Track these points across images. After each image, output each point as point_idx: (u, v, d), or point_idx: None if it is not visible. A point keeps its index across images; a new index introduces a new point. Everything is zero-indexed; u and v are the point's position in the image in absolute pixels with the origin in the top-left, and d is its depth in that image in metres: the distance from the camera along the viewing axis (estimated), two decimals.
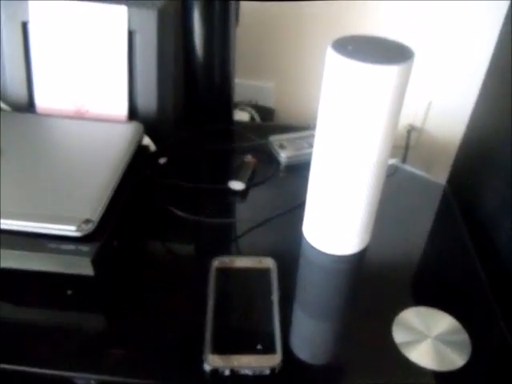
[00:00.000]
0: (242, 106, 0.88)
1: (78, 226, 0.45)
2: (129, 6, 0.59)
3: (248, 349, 0.41)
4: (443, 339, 0.45)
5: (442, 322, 0.46)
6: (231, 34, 0.67)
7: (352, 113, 0.42)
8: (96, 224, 0.45)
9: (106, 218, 0.47)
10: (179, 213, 0.56)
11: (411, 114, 0.94)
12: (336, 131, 0.45)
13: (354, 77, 0.40)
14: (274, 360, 0.41)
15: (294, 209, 0.58)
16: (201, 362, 0.40)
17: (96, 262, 0.45)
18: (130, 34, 0.60)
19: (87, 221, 0.45)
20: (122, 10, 0.59)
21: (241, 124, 0.80)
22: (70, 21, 0.60)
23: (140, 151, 0.58)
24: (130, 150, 0.55)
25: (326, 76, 0.43)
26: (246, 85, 0.92)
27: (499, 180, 0.56)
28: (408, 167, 0.72)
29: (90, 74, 0.62)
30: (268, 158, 0.69)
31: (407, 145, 0.93)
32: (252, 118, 0.87)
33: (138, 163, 0.57)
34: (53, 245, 0.45)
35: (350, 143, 0.44)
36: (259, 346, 0.42)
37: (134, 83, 0.63)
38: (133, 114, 0.63)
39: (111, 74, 0.62)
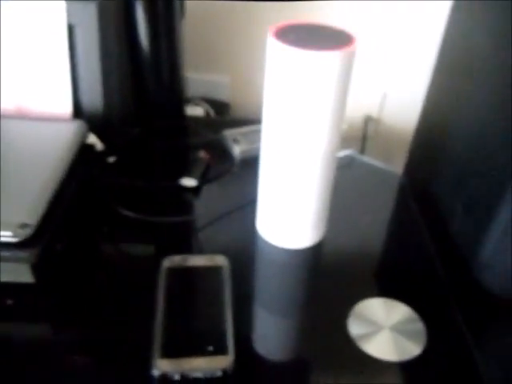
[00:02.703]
0: (196, 100, 0.86)
1: (15, 231, 0.42)
2: None
3: (199, 351, 0.40)
4: (399, 329, 0.44)
5: (398, 312, 0.46)
6: (177, 27, 0.65)
7: (296, 102, 0.41)
8: (34, 228, 0.43)
9: (46, 221, 0.45)
10: (127, 212, 0.54)
11: (367, 105, 0.94)
12: (281, 122, 0.44)
13: (296, 65, 0.39)
14: (225, 361, 0.39)
15: (248, 204, 0.57)
16: (150, 367, 0.39)
17: (36, 268, 0.42)
18: (71, 29, 0.58)
19: (24, 225, 0.43)
20: (60, 4, 0.56)
21: (194, 119, 0.78)
22: (7, 18, 0.57)
23: (85, 150, 0.55)
24: (73, 149, 0.52)
25: (268, 65, 0.42)
26: (200, 79, 0.90)
27: (450, 167, 0.56)
28: (365, 158, 0.72)
29: (31, 71, 0.59)
30: (222, 153, 0.67)
31: (364, 135, 0.93)
32: (207, 113, 0.85)
33: (84, 163, 0.55)
34: None
35: (295, 134, 0.43)
36: (210, 348, 0.40)
37: (77, 79, 0.60)
38: (78, 111, 0.61)
39: (53, 70, 0.59)
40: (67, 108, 0.60)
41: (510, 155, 0.43)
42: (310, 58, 0.38)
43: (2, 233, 0.42)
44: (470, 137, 0.52)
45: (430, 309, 0.47)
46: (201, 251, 0.53)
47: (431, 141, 0.63)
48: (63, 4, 0.56)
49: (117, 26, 0.60)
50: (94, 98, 0.60)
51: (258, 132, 0.71)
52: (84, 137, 0.56)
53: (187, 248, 0.53)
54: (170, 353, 0.40)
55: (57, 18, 0.57)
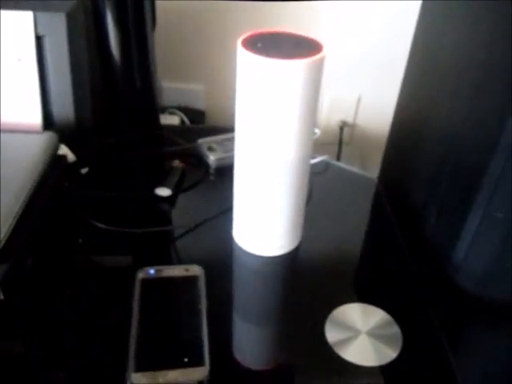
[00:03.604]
0: (171, 109, 0.85)
1: None
2: (35, 10, 0.56)
3: (174, 363, 0.39)
4: (375, 333, 0.45)
5: (374, 317, 0.46)
6: (148, 37, 0.65)
7: (265, 110, 0.41)
8: (2, 244, 0.42)
9: (14, 236, 0.44)
10: (99, 225, 0.53)
11: (343, 110, 0.95)
12: (252, 131, 0.44)
13: (263, 73, 0.39)
14: (201, 373, 0.39)
15: (224, 212, 0.57)
16: (125, 381, 0.38)
17: (4, 285, 0.41)
18: (39, 40, 0.57)
19: None
20: (28, 16, 0.56)
21: (169, 128, 0.78)
22: None
23: (56, 162, 0.54)
24: (43, 161, 0.51)
25: (238, 74, 0.42)
26: (175, 88, 0.90)
27: (423, 171, 0.57)
28: (340, 163, 0.73)
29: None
30: (197, 161, 0.67)
31: (340, 141, 0.94)
32: (182, 122, 0.85)
33: (55, 175, 0.54)
34: None
35: (266, 142, 0.43)
36: (186, 359, 0.40)
37: (48, 90, 0.59)
38: (49, 122, 0.60)
39: (21, 82, 0.58)
40: (37, 119, 0.59)
41: (479, 158, 0.44)
42: (276, 67, 0.39)
43: None
44: (441, 141, 0.52)
45: (405, 312, 0.47)
46: (177, 261, 0.52)
47: (404, 145, 0.64)
48: (31, 15, 0.56)
49: (87, 37, 0.59)
50: (65, 108, 0.60)
51: (233, 140, 0.71)
52: (55, 148, 0.55)
53: (163, 258, 0.53)
54: (145, 366, 0.39)
55: (25, 29, 0.56)
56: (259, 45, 0.40)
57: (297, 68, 0.39)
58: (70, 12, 0.56)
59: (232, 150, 0.67)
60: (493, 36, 0.42)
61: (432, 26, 0.57)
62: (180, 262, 0.52)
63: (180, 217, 0.58)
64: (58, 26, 0.56)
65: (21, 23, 0.56)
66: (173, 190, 0.59)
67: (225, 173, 0.65)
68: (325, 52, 0.40)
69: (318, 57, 0.39)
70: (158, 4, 0.69)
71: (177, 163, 0.64)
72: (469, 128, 0.46)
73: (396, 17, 0.85)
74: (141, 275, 0.47)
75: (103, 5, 0.60)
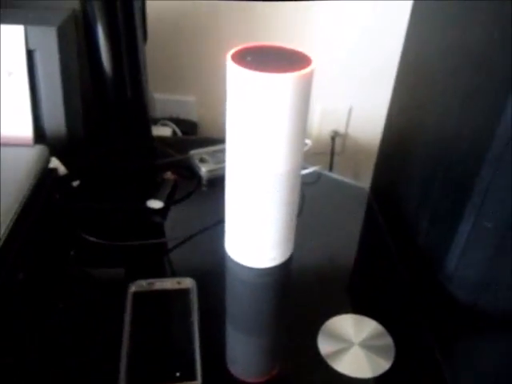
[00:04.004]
0: (164, 121, 0.86)
1: None
2: (26, 24, 0.56)
3: (166, 377, 0.39)
4: (368, 345, 0.44)
5: (366, 328, 0.46)
6: (139, 49, 0.65)
7: (254, 123, 0.42)
8: None
9: (6, 249, 0.43)
10: (91, 238, 0.53)
11: (334, 121, 0.95)
12: (242, 143, 0.44)
13: (252, 87, 0.40)
14: None
15: (216, 224, 0.57)
16: None
17: None
18: (30, 53, 0.57)
19: None
20: (19, 30, 0.56)
21: (161, 139, 0.78)
22: None
23: (47, 175, 0.54)
24: (34, 175, 0.51)
25: (228, 88, 0.42)
26: (167, 100, 0.90)
27: (414, 181, 0.57)
28: (332, 174, 0.73)
29: None
30: (189, 173, 0.67)
31: (332, 151, 0.94)
32: (174, 133, 0.85)
33: (46, 188, 0.54)
34: None
35: (256, 154, 0.43)
36: (178, 374, 0.39)
37: (39, 104, 0.59)
38: (40, 136, 0.60)
39: (13, 95, 0.58)
40: (28, 133, 0.59)
41: (469, 168, 0.44)
42: (265, 81, 0.39)
43: None
44: (431, 150, 0.53)
45: (398, 322, 0.47)
46: (169, 273, 0.52)
47: (395, 154, 0.64)
48: (22, 29, 0.56)
49: (78, 50, 0.59)
50: (56, 122, 0.60)
51: (225, 151, 0.71)
52: (46, 162, 0.55)
53: (155, 271, 0.53)
54: (136, 380, 0.39)
55: (15, 42, 0.56)
56: (249, 58, 0.40)
57: (286, 81, 0.39)
58: (61, 26, 0.56)
59: (224, 161, 0.67)
60: (483, 45, 0.43)
61: (421, 36, 0.57)
62: (172, 274, 0.52)
63: (172, 229, 0.58)
64: (49, 40, 0.56)
65: (12, 37, 0.56)
66: (165, 202, 0.59)
67: (217, 184, 0.65)
68: (313, 65, 0.41)
69: (306, 70, 0.40)
70: (150, 17, 0.69)
71: (169, 175, 0.64)
72: (459, 137, 0.47)
73: (386, 27, 0.86)
74: (133, 288, 0.47)
75: (94, 18, 0.60)
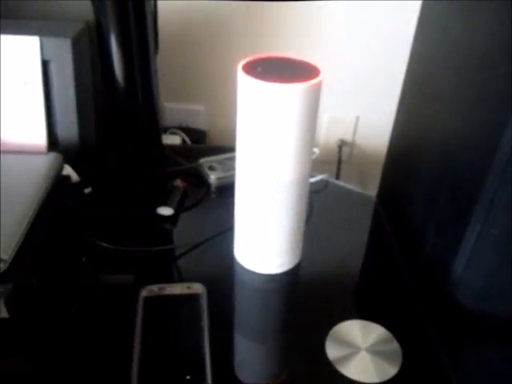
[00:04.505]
0: (173, 129, 0.87)
1: None
2: (42, 35, 0.57)
3: (177, 381, 0.40)
4: (375, 350, 0.45)
5: (374, 333, 0.47)
6: (151, 60, 0.66)
7: (264, 132, 0.43)
8: (8, 263, 0.43)
9: (20, 255, 0.44)
10: (103, 244, 0.54)
11: (341, 129, 0.96)
12: (252, 152, 0.45)
13: (262, 97, 0.41)
14: None
15: (226, 231, 0.58)
16: None
17: (10, 303, 0.42)
18: (45, 64, 0.59)
19: None
20: (34, 41, 0.57)
21: (170, 148, 0.79)
22: None
23: (60, 182, 0.56)
24: (48, 182, 0.53)
25: (239, 97, 0.43)
26: (177, 109, 0.92)
27: (421, 189, 0.58)
28: (339, 182, 0.74)
29: (5, 106, 0.60)
30: (199, 180, 0.68)
31: (339, 159, 0.95)
32: (183, 141, 0.86)
33: (59, 195, 0.55)
34: None
35: (265, 162, 0.44)
36: (188, 377, 0.40)
37: (53, 113, 0.61)
38: (54, 144, 0.61)
39: (27, 105, 0.59)
40: (42, 141, 0.60)
41: (475, 176, 0.45)
42: (275, 91, 0.40)
43: None
44: (438, 158, 0.53)
45: (405, 328, 0.48)
46: (179, 280, 0.53)
47: (402, 163, 0.65)
48: (37, 40, 0.57)
49: (91, 61, 0.61)
50: (69, 130, 0.61)
51: (234, 159, 0.72)
52: (59, 169, 0.56)
53: (166, 276, 0.53)
54: (147, 383, 0.39)
55: (31, 54, 0.58)
56: (259, 69, 0.41)
57: (295, 92, 0.40)
58: (75, 37, 0.58)
59: (233, 169, 0.68)
60: (488, 55, 0.44)
61: (428, 45, 0.58)
62: (182, 280, 0.53)
63: (182, 235, 0.59)
64: (63, 51, 0.58)
65: (27, 48, 0.58)
66: (175, 210, 0.60)
67: (226, 192, 0.66)
68: (322, 76, 0.42)
69: (315, 81, 0.41)
70: (161, 28, 0.71)
71: (178, 183, 0.65)
72: (465, 146, 0.47)
73: (393, 37, 0.87)
74: (144, 293, 0.48)
75: (107, 29, 0.62)
